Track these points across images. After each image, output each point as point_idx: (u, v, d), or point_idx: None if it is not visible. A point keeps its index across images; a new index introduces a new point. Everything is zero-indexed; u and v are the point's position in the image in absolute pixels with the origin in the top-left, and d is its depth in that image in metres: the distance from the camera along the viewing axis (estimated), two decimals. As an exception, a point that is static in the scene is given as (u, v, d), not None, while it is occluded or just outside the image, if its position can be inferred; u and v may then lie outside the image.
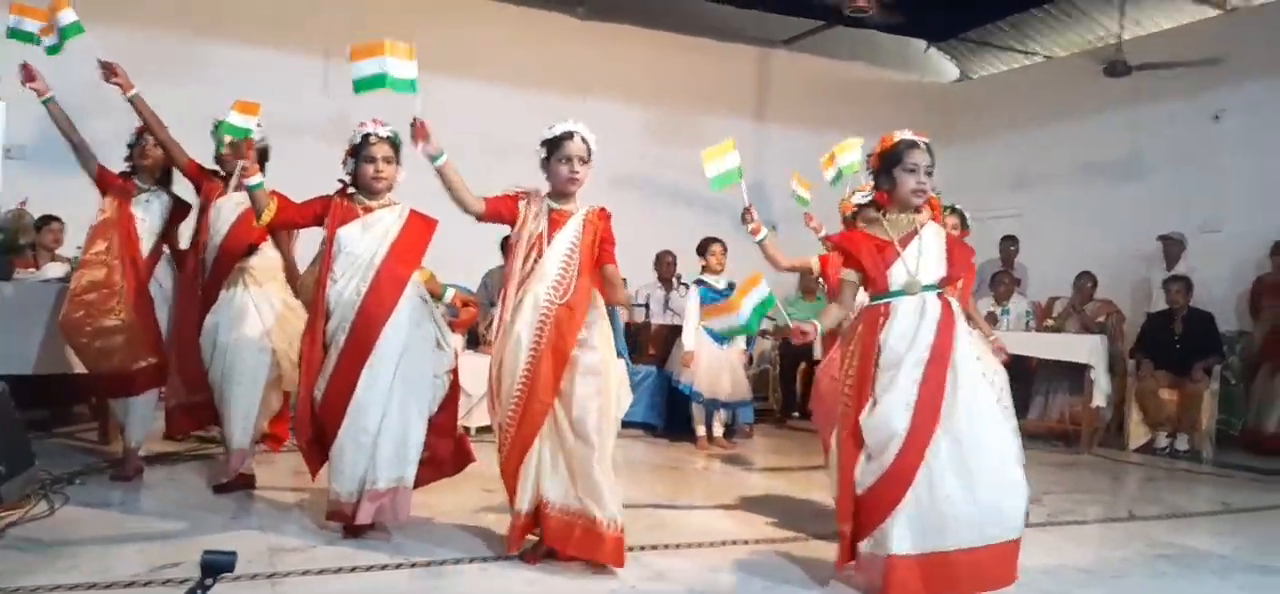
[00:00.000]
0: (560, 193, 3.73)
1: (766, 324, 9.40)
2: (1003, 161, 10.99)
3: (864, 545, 3.36)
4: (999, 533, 3.22)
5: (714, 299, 6.91)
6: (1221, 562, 4.33)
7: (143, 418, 4.82)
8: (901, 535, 3.23)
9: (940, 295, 3.41)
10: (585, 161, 3.70)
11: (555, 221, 3.70)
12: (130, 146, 4.91)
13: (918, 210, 3.51)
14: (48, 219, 6.69)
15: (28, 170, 7.29)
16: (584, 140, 3.71)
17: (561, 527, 3.60)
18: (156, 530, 3.92)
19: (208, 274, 4.66)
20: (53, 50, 4.47)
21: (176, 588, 3.13)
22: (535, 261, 3.67)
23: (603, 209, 3.77)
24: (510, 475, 3.68)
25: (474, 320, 6.38)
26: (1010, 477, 3.29)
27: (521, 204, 3.75)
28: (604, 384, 3.61)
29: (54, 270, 6.05)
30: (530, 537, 3.74)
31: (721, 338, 6.88)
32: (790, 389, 8.94)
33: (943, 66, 12.02)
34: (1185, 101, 9.30)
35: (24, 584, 3.13)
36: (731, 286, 7.04)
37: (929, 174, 3.47)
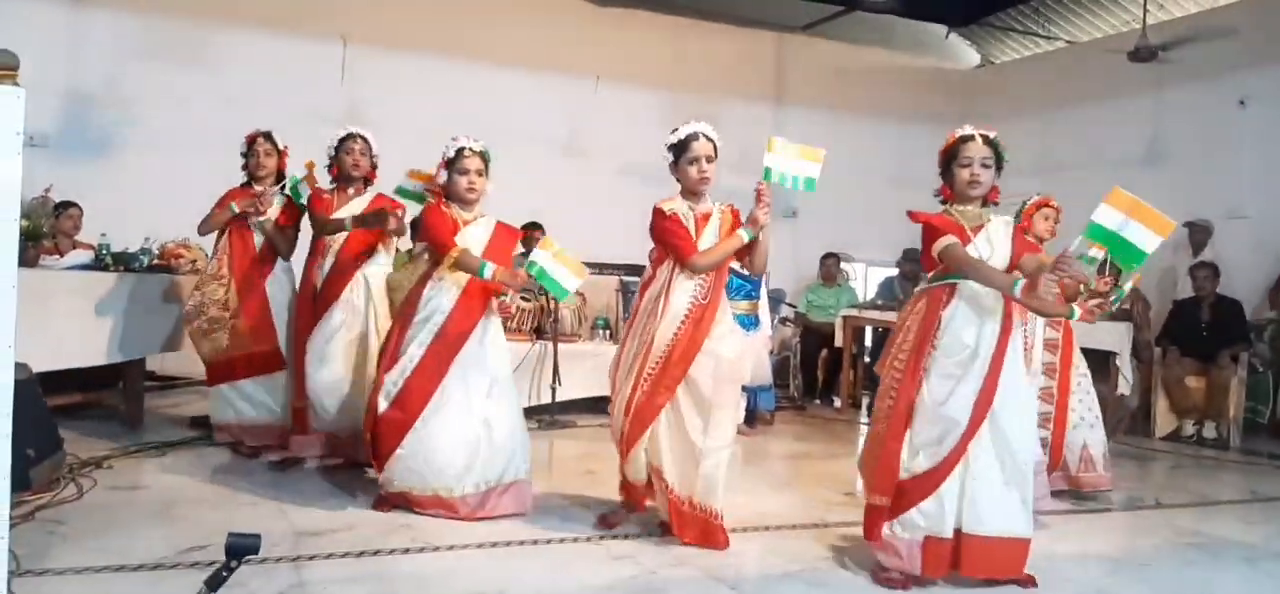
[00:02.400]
0: (692, 193, 3.91)
1: (787, 310, 9.44)
2: (1025, 147, 10.80)
3: (896, 527, 3.39)
4: (1015, 528, 3.35)
5: (741, 287, 6.87)
6: (1250, 550, 4.28)
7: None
8: (943, 514, 3.32)
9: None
10: (712, 160, 3.87)
11: (698, 224, 3.88)
12: (244, 154, 5.17)
13: (978, 202, 3.55)
14: (66, 205, 6.71)
15: (49, 158, 7.36)
16: (710, 139, 3.89)
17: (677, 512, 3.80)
18: (182, 514, 3.93)
19: (324, 282, 4.81)
20: None
21: (202, 570, 3.13)
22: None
23: (735, 209, 3.98)
24: (630, 446, 3.82)
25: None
26: (1029, 475, 3.42)
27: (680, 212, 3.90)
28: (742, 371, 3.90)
29: (78, 258, 6.07)
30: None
31: (748, 324, 6.85)
32: (811, 376, 8.90)
33: (963, 52, 11.92)
34: (1210, 86, 9.19)
35: (52, 566, 3.16)
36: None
37: (986, 166, 3.50)
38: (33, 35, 7.74)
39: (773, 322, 7.49)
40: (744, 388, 6.94)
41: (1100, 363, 7.46)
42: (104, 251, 5.81)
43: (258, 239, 5.12)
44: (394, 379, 4.02)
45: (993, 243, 3.48)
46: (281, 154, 5.17)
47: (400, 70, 8.92)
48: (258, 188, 5.11)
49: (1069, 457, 5.01)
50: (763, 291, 7.05)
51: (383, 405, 4.03)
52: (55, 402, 4.73)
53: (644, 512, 4.05)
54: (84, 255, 6.04)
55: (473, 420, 4.03)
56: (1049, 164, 10.52)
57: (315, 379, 4.64)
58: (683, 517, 3.78)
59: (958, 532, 3.35)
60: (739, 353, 3.85)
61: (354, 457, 4.73)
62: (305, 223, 5.08)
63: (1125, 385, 7.27)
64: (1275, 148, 8.65)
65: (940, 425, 3.33)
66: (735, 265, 6.77)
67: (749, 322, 6.86)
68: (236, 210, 5.02)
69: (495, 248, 4.12)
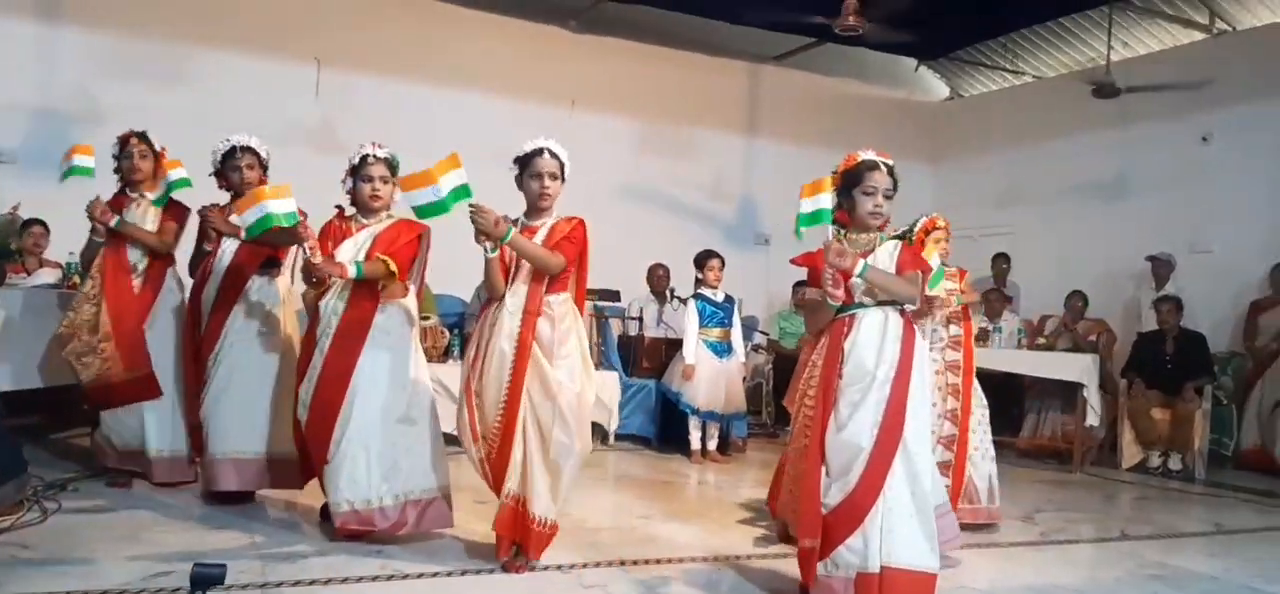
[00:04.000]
0: (533, 209, 3.81)
1: (758, 337, 9.49)
2: (993, 180, 11.05)
3: (829, 566, 3.29)
4: (925, 562, 3.26)
5: (713, 314, 6.92)
6: (1213, 583, 4.33)
7: (159, 425, 4.73)
8: (868, 552, 3.23)
9: (901, 311, 3.40)
10: (556, 177, 3.75)
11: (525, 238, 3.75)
12: (116, 157, 4.83)
13: (875, 231, 3.46)
14: (31, 222, 6.61)
15: (16, 175, 7.27)
16: (554, 155, 3.75)
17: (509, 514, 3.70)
18: (148, 538, 3.88)
19: (213, 303, 4.61)
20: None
21: (168, 597, 3.11)
22: (513, 279, 3.75)
23: (574, 218, 3.79)
24: (500, 482, 3.71)
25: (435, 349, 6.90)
26: (932, 507, 3.33)
27: None
28: (573, 398, 3.68)
29: (45, 277, 6.01)
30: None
31: (721, 350, 6.90)
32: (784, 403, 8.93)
33: (933, 85, 12.09)
34: (1173, 123, 9.38)
35: (14, 591, 3.11)
36: (729, 301, 7.07)
37: (888, 197, 3.41)
38: (1, 51, 7.67)
39: (745, 349, 7.52)
40: (720, 415, 7.01)
41: (1068, 395, 7.58)
42: (72, 270, 5.75)
43: (135, 255, 4.77)
44: (306, 388, 3.99)
45: (878, 265, 3.39)
46: (159, 155, 4.84)
47: (374, 92, 8.90)
48: (132, 194, 4.80)
49: (980, 487, 4.92)
50: (736, 318, 7.09)
51: (302, 416, 4.00)
52: (19, 423, 4.66)
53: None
54: (51, 274, 5.99)
55: (386, 430, 3.94)
56: (1017, 196, 10.70)
57: (216, 404, 4.51)
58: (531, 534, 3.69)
59: (886, 569, 3.23)
60: (576, 392, 3.70)
61: (259, 485, 4.59)
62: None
63: (1093, 417, 7.36)
64: (1238, 183, 8.84)
65: (845, 452, 3.25)
66: (708, 292, 6.90)
67: (722, 349, 6.92)
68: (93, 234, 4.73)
69: (381, 246, 3.98)
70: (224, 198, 4.74)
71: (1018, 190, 10.73)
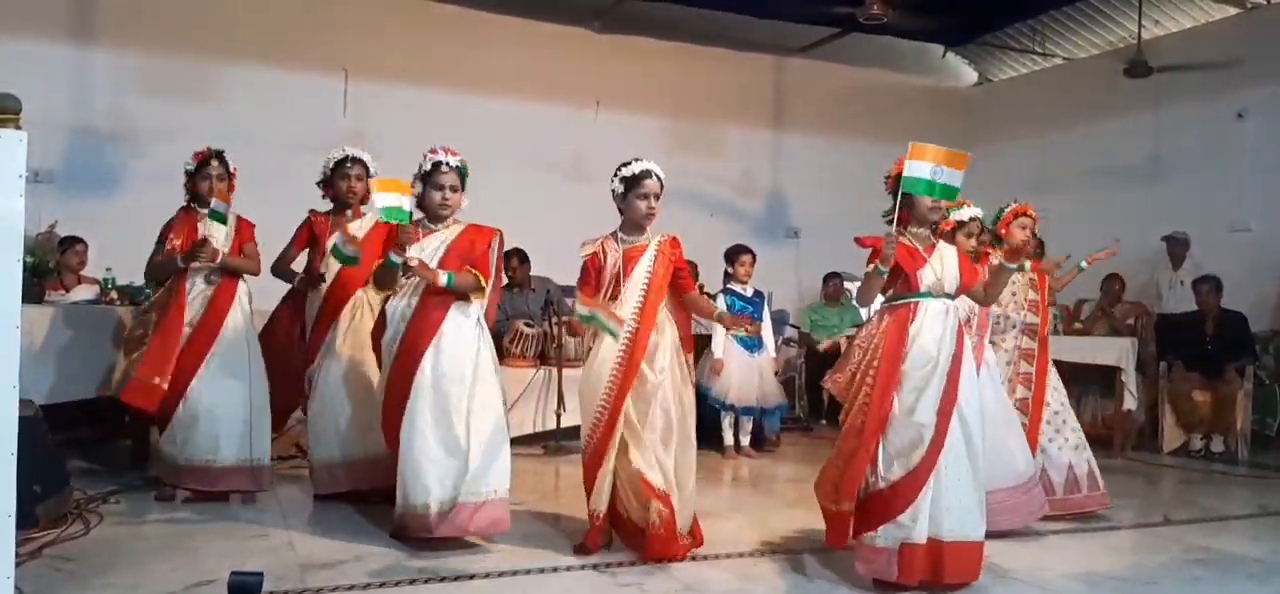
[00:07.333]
0: (636, 227, 4.03)
1: (789, 331, 9.45)
2: (1024, 165, 10.89)
3: (877, 538, 3.53)
4: (980, 530, 3.57)
5: (743, 308, 6.89)
6: (1259, 566, 4.25)
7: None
8: (918, 526, 3.47)
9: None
10: (659, 198, 4.02)
11: (630, 256, 3.98)
12: (191, 173, 4.83)
13: (934, 227, 3.77)
14: (72, 241, 6.72)
15: (55, 194, 7.40)
16: (659, 178, 4.02)
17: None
18: (190, 548, 3.93)
19: (321, 307, 4.77)
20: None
21: (209, 606, 3.14)
22: (612, 293, 3.95)
23: (674, 238, 4.08)
24: (589, 480, 3.95)
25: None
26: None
27: (601, 252, 4.05)
28: (670, 406, 3.91)
29: (83, 293, 6.11)
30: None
31: (750, 346, 6.87)
32: (817, 397, 8.88)
33: (961, 70, 11.97)
34: (1207, 101, 9.22)
35: (59, 604, 3.16)
36: (759, 295, 7.04)
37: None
38: (38, 72, 7.81)
39: (776, 343, 7.49)
40: (753, 409, 6.98)
41: (1106, 379, 7.47)
42: (109, 285, 5.84)
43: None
44: (378, 392, 4.12)
45: (944, 261, 3.68)
46: (232, 175, 4.87)
47: (402, 101, 8.96)
48: (196, 208, 4.79)
49: (1055, 479, 4.91)
50: (765, 313, 7.06)
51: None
52: (62, 437, 4.74)
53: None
54: (89, 290, 6.08)
55: (443, 432, 3.95)
56: (1049, 180, 10.55)
57: (323, 411, 4.69)
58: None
59: (932, 540, 3.48)
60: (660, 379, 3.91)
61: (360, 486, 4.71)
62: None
63: (1131, 401, 7.26)
64: (1275, 159, 8.68)
65: (911, 432, 3.49)
66: (738, 287, 6.88)
67: (752, 343, 6.88)
68: (181, 263, 4.68)
69: (454, 255, 4.05)
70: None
71: (1050, 175, 10.58)
